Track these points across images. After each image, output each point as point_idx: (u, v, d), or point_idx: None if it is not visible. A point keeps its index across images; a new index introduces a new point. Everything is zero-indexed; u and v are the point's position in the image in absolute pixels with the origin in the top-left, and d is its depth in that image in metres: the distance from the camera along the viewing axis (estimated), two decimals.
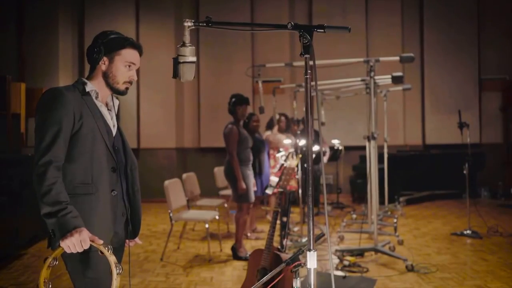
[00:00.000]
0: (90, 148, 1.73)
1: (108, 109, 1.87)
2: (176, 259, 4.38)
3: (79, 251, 1.60)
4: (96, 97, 1.81)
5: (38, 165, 1.62)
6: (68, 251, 1.60)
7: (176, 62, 1.59)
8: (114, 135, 1.85)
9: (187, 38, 1.58)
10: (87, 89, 1.78)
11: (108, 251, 1.59)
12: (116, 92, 1.84)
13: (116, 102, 1.93)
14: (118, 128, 1.90)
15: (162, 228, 5.84)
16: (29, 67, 7.56)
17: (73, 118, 1.70)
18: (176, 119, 8.31)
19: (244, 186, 4.33)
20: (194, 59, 1.60)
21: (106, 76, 1.81)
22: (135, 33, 8.15)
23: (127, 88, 1.85)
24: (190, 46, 1.58)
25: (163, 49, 8.06)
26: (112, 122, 1.86)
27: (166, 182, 4.40)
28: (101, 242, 1.63)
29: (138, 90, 8.15)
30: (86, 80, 1.82)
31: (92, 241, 1.61)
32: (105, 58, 1.80)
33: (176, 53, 1.60)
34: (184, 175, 5.27)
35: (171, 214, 4.33)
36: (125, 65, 1.81)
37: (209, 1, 8.41)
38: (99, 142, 1.75)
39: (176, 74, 1.61)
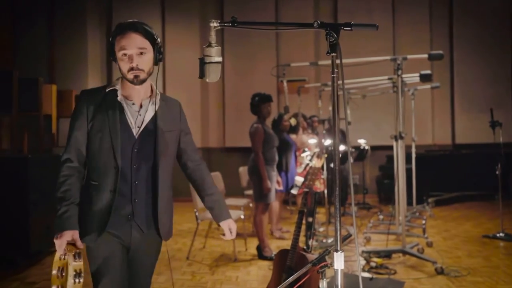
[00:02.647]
0: (98, 147, 1.77)
1: (140, 107, 1.82)
2: (202, 257, 4.42)
3: (59, 253, 1.67)
4: (117, 96, 1.79)
5: (60, 163, 1.77)
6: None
7: (202, 62, 1.60)
8: (136, 134, 1.79)
9: (213, 38, 1.58)
10: (108, 88, 1.81)
11: (75, 259, 1.63)
12: (131, 83, 1.77)
13: (152, 106, 1.84)
14: (156, 127, 1.82)
15: (188, 227, 5.90)
16: (60, 69, 7.79)
17: (86, 119, 1.77)
18: (202, 119, 8.38)
19: (269, 185, 4.32)
20: (220, 59, 1.60)
21: (120, 69, 1.78)
22: (161, 34, 8.27)
23: (135, 76, 1.74)
24: (216, 46, 1.58)
25: (188, 49, 8.15)
26: (137, 121, 1.80)
27: None
28: (81, 247, 1.69)
29: (164, 90, 8.26)
30: (116, 82, 1.84)
31: (74, 244, 1.67)
32: (116, 52, 1.76)
33: (202, 53, 1.60)
34: None
35: (196, 213, 4.36)
36: (120, 56, 1.75)
37: (234, 1, 8.44)
38: (105, 142, 1.76)
39: (202, 74, 1.61)
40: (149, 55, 1.77)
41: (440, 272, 3.72)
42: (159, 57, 1.81)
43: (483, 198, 7.54)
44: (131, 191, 1.78)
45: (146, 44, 1.75)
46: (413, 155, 6.05)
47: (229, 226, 1.98)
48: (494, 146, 5.29)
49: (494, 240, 4.90)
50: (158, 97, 1.87)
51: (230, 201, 5.41)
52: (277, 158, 4.58)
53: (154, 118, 1.84)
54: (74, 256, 1.63)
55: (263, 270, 4.00)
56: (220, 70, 1.63)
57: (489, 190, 7.33)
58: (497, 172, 4.97)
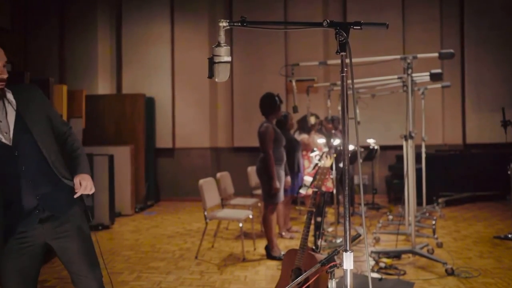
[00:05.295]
0: None
1: (4, 105, 1.85)
2: (211, 257, 4.43)
3: None
4: None
5: None
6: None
7: (212, 62, 1.60)
8: (11, 134, 1.84)
9: (222, 38, 1.59)
10: None
11: None
12: None
13: (10, 95, 1.88)
14: (26, 124, 1.87)
15: (197, 227, 5.92)
16: (70, 70, 7.88)
17: None
18: (210, 119, 8.41)
19: (278, 185, 4.31)
20: (229, 59, 1.61)
21: None
22: (170, 34, 8.31)
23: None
24: (225, 46, 1.59)
25: (197, 49, 8.17)
26: (6, 120, 1.85)
27: (201, 181, 4.46)
28: None
29: (173, 91, 8.30)
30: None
31: None
32: None
33: (211, 53, 1.61)
34: (218, 175, 5.32)
35: (205, 213, 4.38)
36: None
37: (242, 0, 8.45)
38: None
39: (211, 74, 1.62)
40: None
41: (450, 273, 3.69)
42: None
43: (494, 199, 7.44)
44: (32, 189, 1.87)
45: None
46: (423, 155, 6.00)
47: (80, 179, 1.97)
48: (506, 146, 5.22)
49: (505, 241, 4.84)
50: (10, 95, 1.89)
51: (238, 201, 5.42)
52: (285, 158, 4.58)
53: (19, 116, 1.87)
54: None
55: (272, 270, 4.00)
56: (229, 69, 1.64)
57: (501, 191, 7.23)
58: (508, 172, 4.91)
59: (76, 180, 1.94)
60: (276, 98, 4.39)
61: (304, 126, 5.97)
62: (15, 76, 5.46)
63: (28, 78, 5.48)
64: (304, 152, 5.61)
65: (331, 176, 4.87)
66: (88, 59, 7.85)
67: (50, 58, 7.85)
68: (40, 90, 2.00)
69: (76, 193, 1.93)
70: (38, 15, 7.90)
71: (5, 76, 1.82)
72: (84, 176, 1.96)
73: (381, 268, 3.81)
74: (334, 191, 5.18)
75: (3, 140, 1.83)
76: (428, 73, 4.55)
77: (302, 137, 5.77)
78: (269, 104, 4.40)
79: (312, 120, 5.61)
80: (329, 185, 5.15)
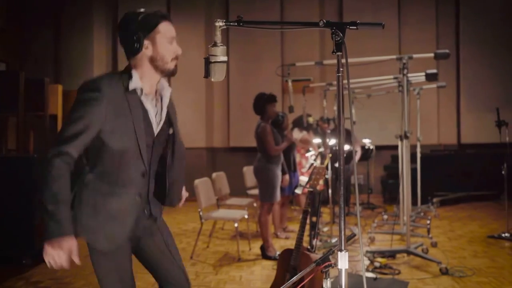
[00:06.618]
0: (121, 149, 1.63)
1: (156, 100, 1.74)
2: (206, 257, 4.43)
3: (55, 264, 1.50)
4: (141, 93, 1.67)
5: (52, 152, 1.53)
6: (46, 259, 1.51)
7: (208, 62, 1.60)
8: (156, 133, 1.73)
9: (218, 37, 1.58)
10: (131, 86, 1.64)
11: None
12: (168, 73, 1.70)
13: (168, 90, 1.76)
14: (170, 120, 1.79)
15: (192, 227, 5.92)
16: (66, 70, 7.84)
17: (105, 117, 1.58)
18: (206, 118, 8.40)
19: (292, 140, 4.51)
20: (225, 58, 1.60)
21: (154, 60, 1.66)
22: None
23: (176, 66, 1.71)
24: (221, 45, 1.58)
25: (193, 49, 8.14)
26: (157, 118, 1.73)
27: (196, 181, 4.45)
28: (78, 262, 1.53)
29: None
30: (134, 73, 1.66)
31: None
32: (146, 42, 1.64)
33: (208, 53, 1.60)
34: (214, 175, 5.32)
35: (201, 213, 4.37)
36: (168, 41, 1.67)
37: (239, 0, 8.44)
38: (132, 145, 1.64)
39: (207, 74, 1.61)
40: None
41: (444, 272, 3.71)
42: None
43: (488, 198, 7.49)
44: (148, 190, 1.76)
45: None
46: (418, 155, 6.03)
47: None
48: (500, 146, 5.26)
49: (499, 241, 4.87)
50: (170, 89, 1.78)
51: (234, 201, 5.42)
52: (282, 157, 4.59)
53: (167, 112, 1.79)
54: None
55: (267, 269, 4.00)
56: (225, 69, 1.63)
57: (495, 190, 7.28)
58: (503, 172, 4.94)
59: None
60: (262, 98, 4.41)
61: (300, 124, 5.97)
62: (10, 75, 5.44)
63: (23, 77, 5.46)
64: (303, 151, 5.62)
65: (326, 176, 4.88)
66: (84, 59, 7.82)
67: (45, 58, 7.81)
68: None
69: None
70: (33, 14, 7.86)
71: (180, 52, 1.72)
72: None
73: (376, 267, 3.82)
74: (330, 191, 5.19)
75: (153, 128, 1.74)
76: (423, 73, 4.57)
77: (302, 134, 5.77)
78: (257, 104, 4.45)
79: (310, 120, 5.62)
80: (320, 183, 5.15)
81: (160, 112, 1.75)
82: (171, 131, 1.81)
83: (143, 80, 1.68)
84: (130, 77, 1.65)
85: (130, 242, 1.77)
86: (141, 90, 1.67)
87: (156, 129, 1.74)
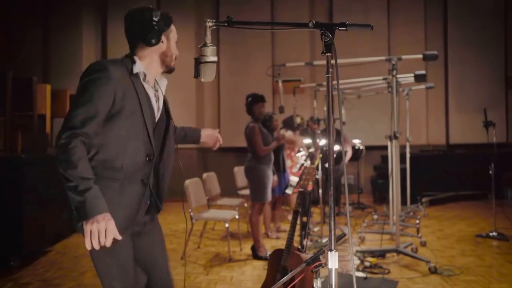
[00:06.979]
0: (128, 132, 1.63)
1: (155, 90, 1.78)
2: (196, 258, 4.42)
3: (102, 241, 1.48)
4: (144, 79, 1.71)
5: (66, 136, 1.50)
6: (88, 238, 1.48)
7: (198, 62, 1.60)
8: (157, 119, 1.77)
9: (208, 38, 1.59)
10: (135, 70, 1.67)
11: None
12: (170, 70, 1.81)
13: (164, 81, 1.83)
14: (166, 110, 1.83)
15: (183, 227, 5.89)
16: (54, 69, 7.75)
17: (113, 98, 1.58)
18: (197, 118, 8.37)
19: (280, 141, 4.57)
20: (215, 59, 1.61)
21: (165, 55, 1.75)
22: None
23: (174, 65, 1.83)
24: (211, 46, 1.59)
25: (183, 49, 8.06)
26: (157, 105, 1.77)
27: (187, 182, 4.44)
28: (119, 238, 1.54)
29: None
30: (136, 59, 1.70)
31: None
32: (163, 37, 1.73)
33: (198, 53, 1.60)
34: (205, 175, 5.31)
35: (191, 213, 4.36)
36: (175, 41, 1.80)
37: (229, 0, 8.44)
38: (139, 128, 1.65)
39: (197, 74, 1.61)
40: None
41: (433, 271, 3.74)
42: None
43: (476, 198, 7.59)
44: (151, 177, 1.76)
45: None
46: (408, 155, 6.08)
47: (208, 134, 2.12)
48: (488, 146, 5.33)
49: (487, 239, 4.94)
50: (166, 81, 1.85)
51: (224, 201, 5.41)
52: (272, 157, 4.60)
53: (164, 102, 1.85)
54: None
55: (258, 270, 4.00)
56: (215, 69, 1.64)
57: (483, 190, 7.38)
58: (490, 172, 5.01)
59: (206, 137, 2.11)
60: (249, 98, 4.45)
61: (290, 124, 5.98)
62: None
63: (10, 77, 5.39)
64: (288, 152, 5.62)
65: (317, 176, 4.90)
66: (72, 59, 7.74)
67: (33, 57, 7.72)
68: None
69: None
70: (22, 13, 7.76)
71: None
72: (208, 130, 2.16)
73: (366, 267, 3.85)
74: (320, 191, 5.21)
75: (155, 115, 1.79)
76: (412, 74, 4.61)
77: (287, 134, 5.78)
78: (246, 104, 4.49)
79: (298, 120, 5.63)
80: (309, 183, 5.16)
81: (157, 101, 1.80)
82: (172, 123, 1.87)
83: (147, 70, 1.73)
84: (133, 61, 1.70)
85: (132, 237, 1.75)
86: (144, 74, 1.72)
87: (157, 115, 1.78)
